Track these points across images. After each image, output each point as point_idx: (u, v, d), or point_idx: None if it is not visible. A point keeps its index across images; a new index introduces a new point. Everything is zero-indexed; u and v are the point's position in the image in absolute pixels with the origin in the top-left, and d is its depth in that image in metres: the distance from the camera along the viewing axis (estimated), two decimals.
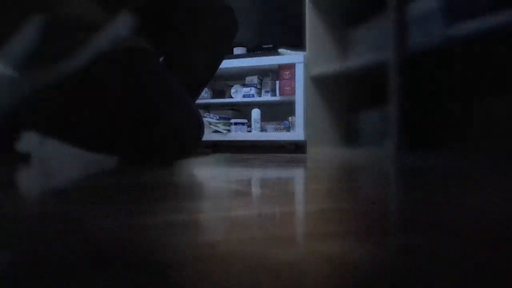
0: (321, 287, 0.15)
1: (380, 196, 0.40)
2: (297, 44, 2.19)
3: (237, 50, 2.42)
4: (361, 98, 1.62)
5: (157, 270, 0.17)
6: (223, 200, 0.37)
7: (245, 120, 2.38)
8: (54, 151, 0.98)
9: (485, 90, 1.07)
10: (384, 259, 0.19)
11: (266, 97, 2.35)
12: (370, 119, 1.45)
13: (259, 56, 2.32)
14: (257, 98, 2.36)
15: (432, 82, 1.22)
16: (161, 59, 1.15)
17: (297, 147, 2.29)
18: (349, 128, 1.70)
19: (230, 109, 2.54)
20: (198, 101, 1.68)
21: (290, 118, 2.28)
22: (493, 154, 0.95)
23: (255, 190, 0.46)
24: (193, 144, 1.01)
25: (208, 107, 2.57)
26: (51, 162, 1.00)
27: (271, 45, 2.36)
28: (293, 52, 2.24)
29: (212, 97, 2.50)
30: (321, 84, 1.70)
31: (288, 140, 2.26)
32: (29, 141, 0.98)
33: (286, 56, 2.24)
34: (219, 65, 1.22)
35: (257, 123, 2.33)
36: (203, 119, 1.97)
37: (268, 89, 2.36)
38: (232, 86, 2.44)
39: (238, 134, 2.33)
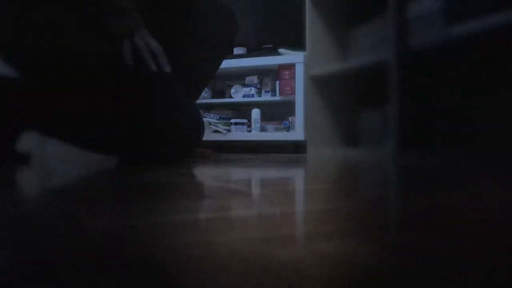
0: (321, 287, 0.15)
1: (380, 196, 0.40)
2: (297, 44, 2.19)
3: (237, 50, 2.41)
4: (361, 98, 1.62)
5: (157, 270, 0.17)
6: (223, 200, 0.37)
7: (245, 120, 2.38)
8: (54, 151, 0.98)
9: (485, 90, 1.07)
10: (384, 259, 0.19)
11: (266, 97, 2.35)
12: (370, 119, 1.45)
13: (259, 56, 2.32)
14: (257, 98, 2.36)
15: (432, 82, 1.22)
16: None
17: (297, 147, 2.29)
18: (349, 128, 1.70)
19: (230, 109, 2.54)
20: (198, 101, 1.68)
21: (290, 118, 2.28)
22: (493, 154, 0.95)
23: (255, 190, 0.46)
24: (193, 144, 1.01)
25: (208, 107, 2.57)
26: (51, 162, 1.00)
27: (271, 45, 2.36)
28: (293, 52, 2.24)
29: (212, 97, 2.50)
30: (321, 84, 1.70)
31: (288, 140, 2.26)
32: (29, 141, 0.98)
33: (286, 56, 2.24)
34: (219, 65, 1.22)
35: (257, 123, 2.33)
36: (203, 119, 1.97)
37: (268, 89, 2.36)
38: (232, 86, 2.44)
39: (238, 134, 2.33)
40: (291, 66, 2.21)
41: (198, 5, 1.10)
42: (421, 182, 0.53)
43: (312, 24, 1.70)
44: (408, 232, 0.24)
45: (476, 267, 0.17)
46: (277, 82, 2.29)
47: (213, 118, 2.40)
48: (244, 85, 2.42)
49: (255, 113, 2.35)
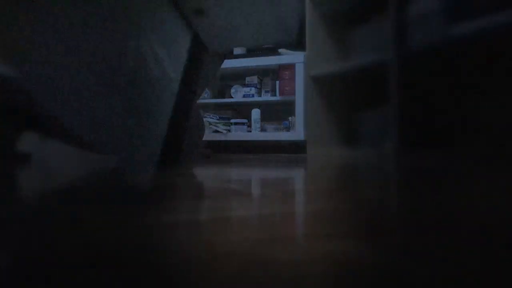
0: (321, 287, 0.15)
1: (380, 196, 0.40)
2: (297, 44, 2.19)
3: (237, 50, 2.42)
4: (361, 98, 1.62)
5: (157, 270, 0.17)
6: (223, 200, 0.37)
7: (245, 120, 2.38)
8: (54, 151, 0.99)
9: (485, 90, 1.07)
10: (384, 259, 0.19)
11: (266, 97, 2.35)
12: (370, 119, 1.45)
13: (259, 56, 2.32)
14: (257, 98, 2.36)
15: (432, 82, 1.22)
16: None
17: (297, 147, 2.29)
18: (349, 128, 1.70)
19: (230, 109, 2.54)
20: (198, 101, 1.68)
21: (290, 118, 2.28)
22: (493, 154, 0.95)
23: (255, 190, 0.46)
24: (193, 145, 1.01)
25: (208, 107, 2.57)
26: (51, 162, 1.00)
27: (271, 45, 2.36)
28: (293, 52, 2.25)
29: (212, 97, 2.50)
30: (321, 84, 1.70)
31: (288, 140, 2.26)
32: (29, 141, 0.98)
33: (286, 56, 2.24)
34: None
35: (257, 123, 2.33)
36: (203, 119, 1.97)
37: (268, 89, 2.36)
38: (232, 86, 2.44)
39: (238, 134, 2.33)
40: (291, 66, 2.21)
41: None
42: (421, 182, 0.53)
43: (312, 24, 1.70)
44: (408, 232, 0.24)
45: (476, 267, 0.17)
46: (277, 82, 2.29)
47: (213, 118, 2.40)
48: (244, 85, 2.42)
49: (255, 113, 2.35)
